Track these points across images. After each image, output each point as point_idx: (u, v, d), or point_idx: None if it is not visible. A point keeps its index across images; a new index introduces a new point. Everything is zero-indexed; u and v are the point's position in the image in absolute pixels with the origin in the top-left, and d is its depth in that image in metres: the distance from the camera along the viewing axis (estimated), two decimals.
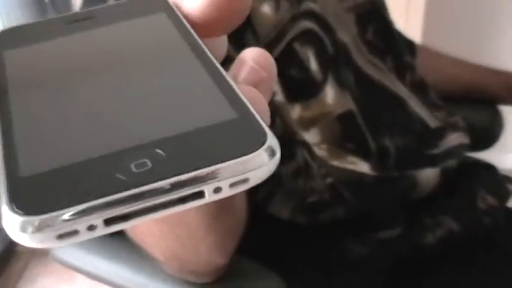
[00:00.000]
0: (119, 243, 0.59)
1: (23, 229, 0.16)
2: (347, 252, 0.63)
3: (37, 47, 0.24)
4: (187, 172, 0.17)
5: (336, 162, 0.61)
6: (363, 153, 0.63)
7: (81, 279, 1.14)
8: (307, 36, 0.62)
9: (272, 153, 0.18)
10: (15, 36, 0.25)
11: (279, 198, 0.60)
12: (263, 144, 0.17)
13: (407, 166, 0.64)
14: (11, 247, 1.41)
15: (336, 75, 0.63)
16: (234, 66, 0.22)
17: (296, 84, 0.61)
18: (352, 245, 0.64)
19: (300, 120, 0.60)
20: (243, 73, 0.21)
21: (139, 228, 0.45)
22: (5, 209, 0.16)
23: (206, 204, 0.18)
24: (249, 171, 0.17)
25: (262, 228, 0.57)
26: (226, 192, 0.18)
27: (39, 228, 0.16)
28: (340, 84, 0.63)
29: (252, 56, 0.22)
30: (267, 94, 0.21)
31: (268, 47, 0.58)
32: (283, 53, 0.60)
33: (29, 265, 1.40)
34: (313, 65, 0.61)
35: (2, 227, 0.16)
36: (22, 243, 0.17)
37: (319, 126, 0.61)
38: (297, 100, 0.60)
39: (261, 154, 0.17)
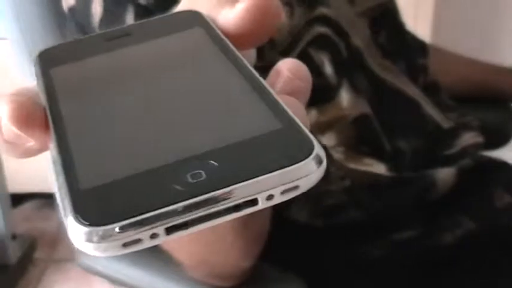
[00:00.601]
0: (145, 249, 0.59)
1: (89, 239, 0.17)
2: (364, 254, 0.64)
3: (81, 63, 0.25)
4: (241, 181, 0.18)
5: (352, 165, 0.62)
6: (379, 155, 0.63)
7: (98, 286, 1.15)
8: (321, 41, 0.62)
9: (319, 161, 0.19)
10: (58, 54, 0.26)
11: (297, 202, 0.61)
12: (311, 153, 0.18)
13: (422, 167, 0.65)
14: (29, 254, 1.42)
15: (351, 79, 0.64)
16: (270, 77, 0.23)
17: (312, 89, 0.61)
18: (369, 247, 0.64)
19: (316, 125, 0.61)
20: (280, 83, 0.22)
21: None
22: (71, 220, 0.17)
23: None
24: (299, 179, 0.18)
25: (279, 232, 0.58)
26: (277, 199, 0.19)
27: (104, 238, 0.17)
28: (355, 87, 0.64)
29: (287, 66, 0.23)
30: (304, 103, 0.22)
31: (284, 53, 0.59)
32: (298, 59, 0.60)
33: (46, 272, 1.41)
34: (328, 69, 0.62)
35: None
36: (87, 252, 0.17)
37: (335, 129, 0.62)
38: (313, 105, 0.61)
39: (310, 163, 0.18)
